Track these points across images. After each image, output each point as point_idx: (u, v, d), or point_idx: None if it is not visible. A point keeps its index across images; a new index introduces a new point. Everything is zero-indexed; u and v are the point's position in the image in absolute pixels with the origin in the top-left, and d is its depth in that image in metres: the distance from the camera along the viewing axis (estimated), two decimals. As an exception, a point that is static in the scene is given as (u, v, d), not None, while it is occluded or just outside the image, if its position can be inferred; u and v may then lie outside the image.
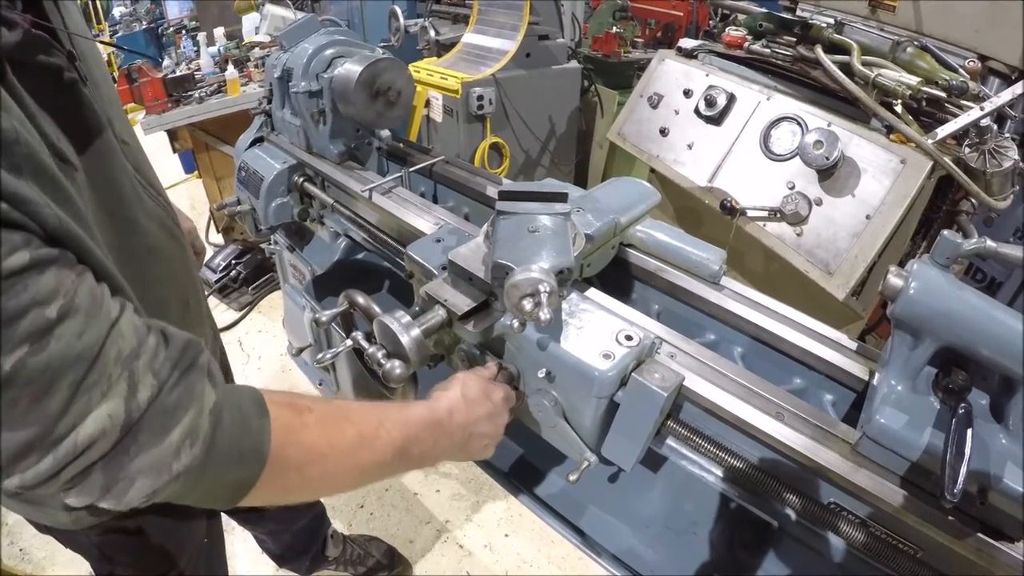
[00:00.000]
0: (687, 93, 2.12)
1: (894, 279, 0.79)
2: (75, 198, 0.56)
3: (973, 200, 1.70)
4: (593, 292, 1.07)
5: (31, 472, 0.47)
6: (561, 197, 0.95)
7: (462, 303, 0.92)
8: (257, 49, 3.45)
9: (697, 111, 2.07)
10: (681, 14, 3.43)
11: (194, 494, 0.58)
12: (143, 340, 0.54)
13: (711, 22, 3.38)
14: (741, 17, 2.17)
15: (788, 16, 1.99)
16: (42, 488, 0.49)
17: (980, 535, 0.74)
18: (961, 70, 1.72)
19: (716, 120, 2.02)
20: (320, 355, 0.93)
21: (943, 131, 1.58)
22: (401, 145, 1.81)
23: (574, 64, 3.16)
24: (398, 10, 3.34)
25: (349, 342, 0.92)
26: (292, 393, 0.70)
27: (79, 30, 0.72)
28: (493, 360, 0.97)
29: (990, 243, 0.79)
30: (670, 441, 0.99)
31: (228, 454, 0.58)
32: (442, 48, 3.26)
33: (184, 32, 3.94)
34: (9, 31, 0.51)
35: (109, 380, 0.49)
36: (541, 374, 0.89)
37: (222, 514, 1.25)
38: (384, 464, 0.73)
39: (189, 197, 4.43)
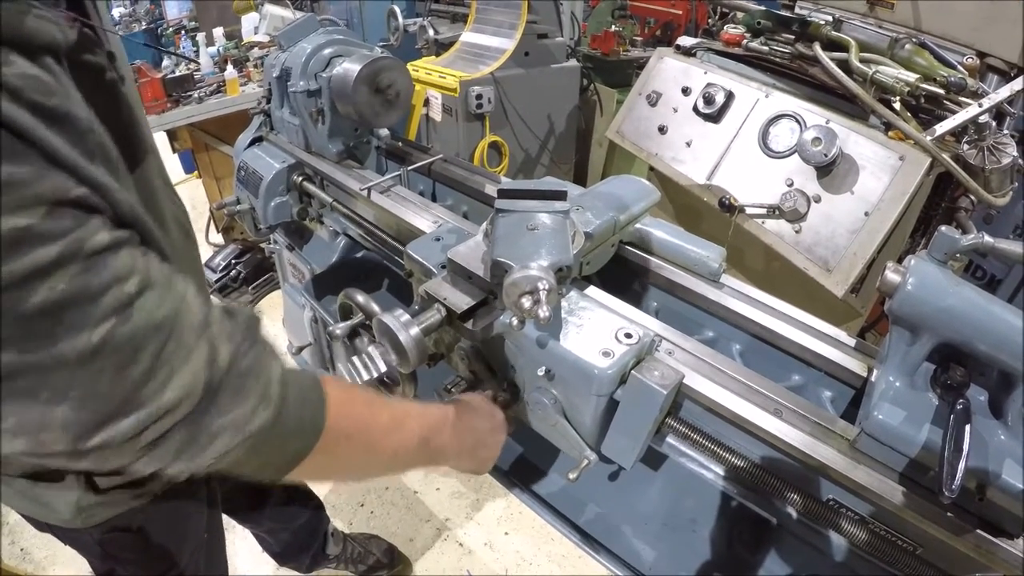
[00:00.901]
0: (686, 91, 2.12)
1: (892, 275, 0.79)
2: (132, 187, 0.59)
3: (972, 197, 1.70)
4: (592, 290, 1.07)
5: (113, 432, 0.49)
6: (560, 195, 0.95)
7: (461, 301, 0.92)
8: (256, 49, 3.45)
9: (696, 109, 2.07)
10: (680, 12, 3.42)
11: (254, 461, 0.59)
12: (209, 312, 0.57)
13: (710, 20, 3.37)
14: (740, 15, 2.17)
15: (786, 13, 1.99)
16: (121, 450, 0.50)
17: (979, 531, 0.75)
18: (959, 67, 1.72)
19: (714, 118, 2.01)
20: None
21: (941, 128, 1.58)
22: (400, 144, 1.81)
23: (573, 63, 3.15)
24: (397, 9, 3.33)
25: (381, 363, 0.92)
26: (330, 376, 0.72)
27: (107, 25, 0.72)
28: (490, 386, 1.00)
29: (988, 239, 0.79)
30: (670, 439, 0.99)
31: (293, 422, 0.60)
32: (441, 47, 3.25)
33: (183, 32, 3.92)
34: (69, 28, 0.52)
35: (188, 347, 0.52)
36: (541, 372, 0.89)
37: (221, 512, 1.25)
38: (409, 451, 0.78)
39: (189, 197, 4.42)
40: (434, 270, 1.04)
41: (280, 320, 2.49)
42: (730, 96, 1.99)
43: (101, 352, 0.46)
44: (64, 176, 0.45)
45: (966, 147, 1.57)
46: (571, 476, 0.93)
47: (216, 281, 3.25)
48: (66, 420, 0.46)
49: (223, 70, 3.15)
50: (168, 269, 0.55)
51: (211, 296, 3.16)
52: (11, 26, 0.44)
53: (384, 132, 1.81)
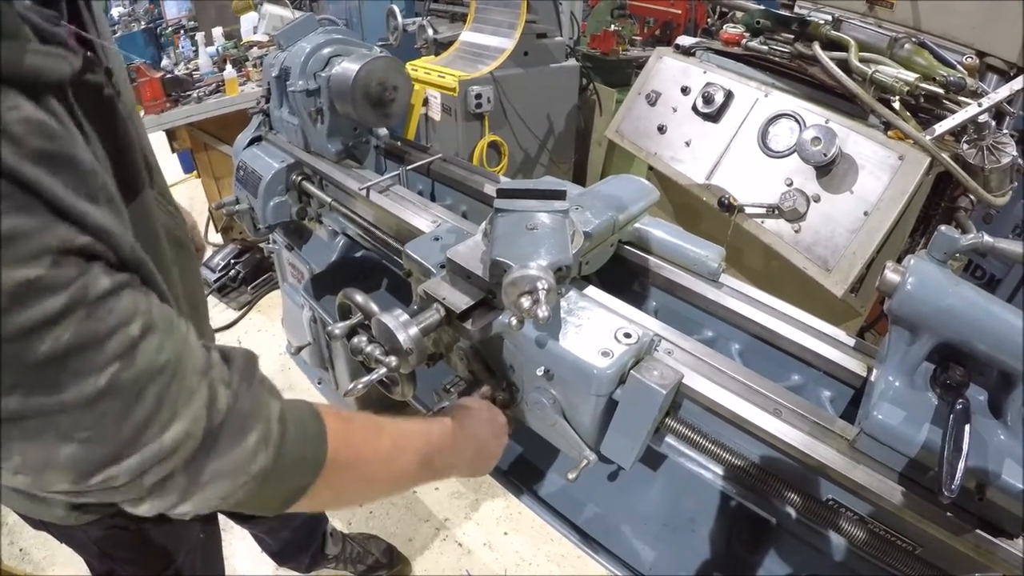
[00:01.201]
0: (685, 90, 2.11)
1: (891, 275, 0.79)
2: (128, 220, 0.57)
3: (972, 196, 1.70)
4: (592, 290, 1.07)
5: (115, 472, 0.49)
6: (559, 195, 0.95)
7: (460, 301, 0.92)
8: (255, 49, 3.44)
9: (695, 108, 2.07)
10: (679, 12, 3.42)
11: (256, 500, 0.60)
12: (208, 354, 0.57)
13: (709, 19, 3.38)
14: (739, 14, 2.16)
15: (786, 13, 1.99)
16: (124, 490, 0.51)
17: (979, 531, 0.74)
18: (959, 66, 1.72)
19: (714, 117, 2.01)
20: (351, 386, 0.89)
21: (941, 127, 1.58)
22: (399, 143, 1.81)
23: (572, 62, 3.15)
24: (396, 9, 3.33)
25: (384, 369, 0.91)
26: (330, 405, 0.72)
27: (105, 34, 0.71)
28: (489, 386, 1.00)
29: (987, 238, 0.78)
30: (669, 439, 0.99)
31: (293, 460, 0.61)
32: (440, 47, 3.25)
33: (182, 32, 3.92)
34: (74, 55, 0.51)
35: (190, 390, 0.52)
36: (540, 372, 0.89)
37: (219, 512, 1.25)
38: (410, 474, 0.78)
39: (188, 197, 4.42)
40: (433, 270, 1.03)
41: (279, 320, 2.48)
42: (729, 96, 1.99)
43: (106, 396, 0.46)
44: (68, 225, 0.44)
45: (965, 147, 1.57)
46: (570, 476, 0.93)
47: (215, 281, 3.25)
48: (68, 460, 0.46)
49: (222, 70, 3.15)
50: (169, 310, 0.55)
51: (210, 295, 3.15)
52: (12, 64, 0.42)
53: (383, 132, 1.81)
